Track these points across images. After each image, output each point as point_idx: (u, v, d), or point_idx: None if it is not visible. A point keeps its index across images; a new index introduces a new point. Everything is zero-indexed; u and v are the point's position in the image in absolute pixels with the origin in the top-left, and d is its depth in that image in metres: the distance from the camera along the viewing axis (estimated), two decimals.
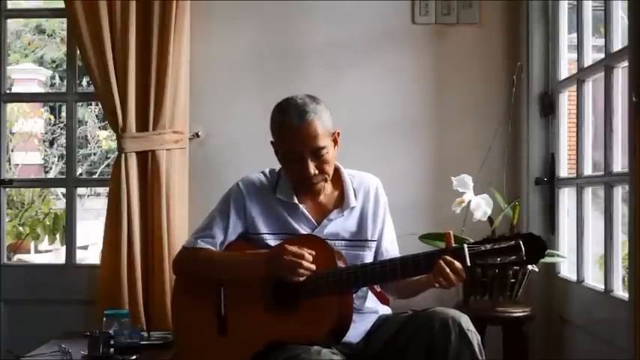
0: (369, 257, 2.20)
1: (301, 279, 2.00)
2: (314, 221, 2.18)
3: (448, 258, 1.93)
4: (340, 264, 2.07)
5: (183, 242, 2.34)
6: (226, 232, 2.20)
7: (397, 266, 2.01)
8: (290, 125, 2.07)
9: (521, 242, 1.90)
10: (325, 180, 2.15)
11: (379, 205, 2.24)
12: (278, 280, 2.06)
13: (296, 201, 2.18)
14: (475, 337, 1.94)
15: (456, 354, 1.91)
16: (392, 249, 2.25)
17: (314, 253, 2.00)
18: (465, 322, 1.95)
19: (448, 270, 1.92)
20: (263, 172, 2.27)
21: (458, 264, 1.92)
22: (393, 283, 2.17)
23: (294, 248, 2.00)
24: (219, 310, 2.14)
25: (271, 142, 2.19)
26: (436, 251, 1.99)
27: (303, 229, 2.17)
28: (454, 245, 1.97)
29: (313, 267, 1.99)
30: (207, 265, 2.17)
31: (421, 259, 1.98)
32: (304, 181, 2.12)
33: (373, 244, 2.22)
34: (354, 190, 2.21)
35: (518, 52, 3.05)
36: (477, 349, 1.92)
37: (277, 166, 2.25)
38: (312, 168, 2.08)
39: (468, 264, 1.93)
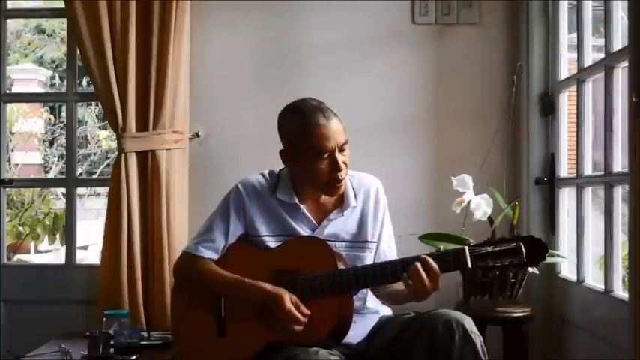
0: (369, 258, 2.19)
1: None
2: (314, 222, 2.18)
3: (430, 262, 1.92)
4: (341, 266, 2.07)
5: (184, 245, 2.33)
6: (227, 235, 2.19)
7: (397, 267, 2.00)
8: (319, 125, 2.05)
9: (522, 244, 1.90)
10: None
11: (379, 206, 2.23)
12: (279, 281, 2.07)
13: (297, 201, 2.17)
14: (478, 339, 1.93)
15: (459, 355, 1.91)
16: (390, 252, 2.25)
17: (309, 313, 2.00)
18: (469, 323, 1.95)
19: (424, 274, 1.91)
20: (262, 174, 2.26)
21: (436, 269, 1.91)
22: (384, 289, 2.17)
23: (290, 309, 1.99)
24: (218, 311, 2.14)
25: (281, 152, 2.15)
26: (434, 253, 1.98)
27: (303, 230, 2.17)
28: (455, 247, 1.97)
29: (300, 328, 1.99)
30: (207, 286, 2.17)
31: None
32: (335, 179, 2.09)
33: (373, 245, 2.21)
34: (354, 190, 2.21)
35: (518, 52, 3.05)
36: (480, 351, 1.92)
37: (276, 165, 2.24)
38: (342, 162, 2.08)
39: (469, 265, 1.92)
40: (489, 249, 1.92)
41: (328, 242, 2.12)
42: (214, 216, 2.23)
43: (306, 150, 2.08)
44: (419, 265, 1.92)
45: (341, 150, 2.08)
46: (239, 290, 2.09)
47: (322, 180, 2.10)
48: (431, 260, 1.93)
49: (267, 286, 2.05)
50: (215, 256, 2.19)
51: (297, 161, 2.12)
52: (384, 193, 2.26)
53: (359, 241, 2.19)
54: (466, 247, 1.94)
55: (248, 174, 2.27)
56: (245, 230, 2.20)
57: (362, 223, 2.20)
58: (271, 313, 2.02)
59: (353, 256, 2.16)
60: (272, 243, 2.16)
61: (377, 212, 2.23)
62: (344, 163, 2.09)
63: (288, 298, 2.01)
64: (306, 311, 2.00)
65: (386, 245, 2.25)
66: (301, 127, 2.08)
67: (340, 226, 2.18)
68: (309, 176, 2.12)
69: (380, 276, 2.02)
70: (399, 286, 2.04)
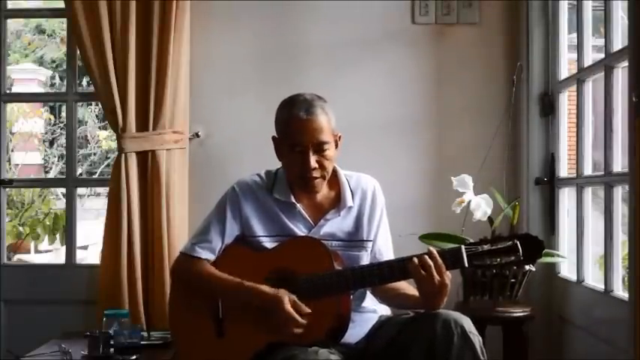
0: (365, 258, 2.19)
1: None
2: (310, 221, 2.18)
3: (438, 259, 1.93)
4: (337, 266, 2.07)
5: (181, 247, 2.32)
6: (223, 236, 2.19)
7: (394, 266, 2.00)
8: (297, 117, 2.08)
9: (518, 242, 1.91)
10: (323, 177, 2.14)
11: (376, 206, 2.23)
12: (277, 282, 2.07)
13: (293, 200, 2.17)
14: (477, 340, 1.93)
15: (457, 356, 1.90)
16: (385, 252, 2.25)
17: (310, 312, 1.99)
18: (468, 324, 1.94)
19: (432, 266, 1.91)
20: (258, 174, 2.26)
21: (441, 264, 1.92)
22: (380, 290, 2.16)
23: (290, 311, 1.98)
24: (216, 312, 2.14)
25: (273, 137, 2.19)
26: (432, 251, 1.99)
27: (300, 230, 2.17)
28: (451, 247, 1.97)
29: (300, 331, 1.99)
30: (205, 288, 2.17)
31: None
32: (304, 175, 2.11)
33: (369, 245, 2.21)
34: (350, 190, 2.21)
35: (518, 52, 3.05)
36: (479, 352, 1.92)
37: (276, 166, 2.25)
38: (313, 161, 2.09)
39: (466, 265, 1.93)
40: (486, 247, 1.93)
41: (325, 242, 2.12)
42: (211, 217, 2.23)
43: (284, 141, 2.13)
44: (426, 257, 1.93)
45: (317, 150, 2.09)
46: (238, 293, 2.09)
47: (293, 174, 2.14)
48: (436, 253, 1.93)
49: (266, 288, 2.05)
50: (212, 257, 2.19)
51: (278, 151, 2.18)
52: (381, 193, 2.26)
53: (355, 240, 2.19)
54: (462, 246, 1.94)
55: (247, 174, 2.27)
56: (241, 231, 2.20)
57: (358, 223, 2.20)
58: (270, 316, 2.02)
59: (349, 256, 2.15)
60: (268, 243, 2.16)
61: (373, 212, 2.22)
62: (318, 162, 2.09)
63: (287, 300, 2.00)
64: (306, 310, 2.00)
65: (382, 245, 2.24)
66: (284, 117, 2.13)
67: (337, 225, 2.18)
68: (285, 167, 2.18)
69: (377, 276, 2.02)
70: (408, 289, 2.04)
